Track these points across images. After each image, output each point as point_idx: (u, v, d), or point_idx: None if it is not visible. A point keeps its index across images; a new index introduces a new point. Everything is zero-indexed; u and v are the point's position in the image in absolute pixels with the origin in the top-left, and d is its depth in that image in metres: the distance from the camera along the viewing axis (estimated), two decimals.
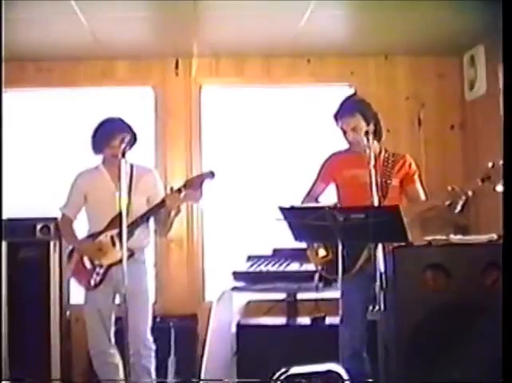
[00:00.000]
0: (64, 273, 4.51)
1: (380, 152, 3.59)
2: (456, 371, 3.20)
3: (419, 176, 3.69)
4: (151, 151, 5.01)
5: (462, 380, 3.15)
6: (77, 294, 4.69)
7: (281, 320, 4.39)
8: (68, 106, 5.08)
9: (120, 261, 3.47)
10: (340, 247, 3.07)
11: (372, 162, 3.15)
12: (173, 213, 3.71)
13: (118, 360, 3.72)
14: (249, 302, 4.63)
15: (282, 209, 3.09)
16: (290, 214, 3.10)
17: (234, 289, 4.21)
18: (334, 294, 3.51)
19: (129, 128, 3.77)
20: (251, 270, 4.30)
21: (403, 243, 3.25)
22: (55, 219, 4.48)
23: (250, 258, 4.47)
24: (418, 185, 3.66)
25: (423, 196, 3.63)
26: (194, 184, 3.69)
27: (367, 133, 3.31)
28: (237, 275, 4.22)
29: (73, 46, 4.61)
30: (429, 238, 3.50)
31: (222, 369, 4.06)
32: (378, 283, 2.98)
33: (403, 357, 3.31)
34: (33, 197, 4.86)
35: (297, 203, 3.61)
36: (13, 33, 4.12)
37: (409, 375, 3.25)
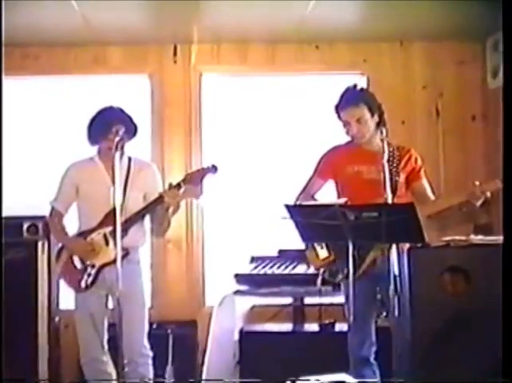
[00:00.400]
0: (53, 275, 4.51)
1: (384, 146, 3.56)
2: (476, 380, 3.18)
3: (425, 172, 3.66)
4: (148, 143, 5.00)
5: None
6: (67, 298, 4.70)
7: (287, 326, 4.39)
8: (56, 96, 5.08)
9: (114, 261, 3.46)
10: (350, 248, 3.06)
11: (386, 156, 3.14)
12: (171, 210, 3.69)
13: (111, 368, 3.70)
14: (252, 307, 4.63)
15: (288, 207, 3.08)
16: (297, 212, 3.09)
17: (237, 293, 4.21)
18: (343, 298, 3.52)
19: (127, 119, 3.74)
20: (255, 272, 4.30)
21: (419, 244, 3.23)
22: (43, 217, 4.47)
23: (253, 259, 4.47)
24: (424, 181, 3.63)
25: (429, 193, 3.61)
26: (194, 179, 3.65)
27: (378, 125, 3.30)
28: (239, 278, 4.21)
29: (63, 31, 4.60)
30: (447, 238, 3.49)
31: (224, 378, 4.05)
32: (392, 287, 2.97)
33: (419, 366, 3.30)
34: (19, 194, 4.86)
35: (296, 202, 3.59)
36: None
37: None
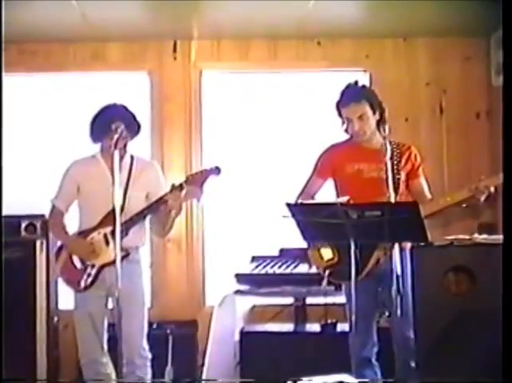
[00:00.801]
0: (51, 275, 4.52)
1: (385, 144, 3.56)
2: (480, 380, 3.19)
3: (423, 169, 3.66)
4: (147, 141, 5.00)
5: None
6: (66, 298, 4.70)
7: (288, 326, 4.40)
8: (54, 93, 5.08)
9: (114, 261, 3.45)
10: (352, 247, 3.06)
11: (389, 154, 3.14)
12: (173, 212, 3.68)
13: (111, 369, 3.70)
14: (253, 307, 4.64)
15: (290, 205, 3.08)
16: (298, 211, 3.10)
17: (238, 292, 4.22)
18: (345, 298, 3.53)
19: (128, 117, 3.72)
20: (256, 271, 4.30)
21: (422, 243, 3.24)
22: (42, 216, 4.48)
23: (254, 258, 4.47)
24: (423, 179, 3.63)
25: (427, 192, 3.60)
26: (197, 181, 3.63)
27: (379, 123, 3.31)
28: (240, 278, 4.22)
29: (61, 26, 4.61)
30: (451, 237, 3.49)
31: (224, 379, 4.06)
32: (394, 287, 2.98)
33: (421, 366, 3.31)
34: (17, 192, 4.86)
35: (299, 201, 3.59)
36: None
37: None
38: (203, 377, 3.98)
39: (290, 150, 5.09)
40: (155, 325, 4.37)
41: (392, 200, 3.12)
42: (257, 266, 4.36)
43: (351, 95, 3.52)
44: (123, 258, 3.56)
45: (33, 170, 5.02)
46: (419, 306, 3.32)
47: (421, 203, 3.45)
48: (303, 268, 4.24)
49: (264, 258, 4.47)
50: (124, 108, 3.76)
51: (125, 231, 3.62)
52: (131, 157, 3.81)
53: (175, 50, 5.05)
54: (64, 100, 5.06)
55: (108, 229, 3.60)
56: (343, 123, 3.55)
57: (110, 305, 3.70)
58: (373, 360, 3.51)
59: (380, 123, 3.50)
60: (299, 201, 3.58)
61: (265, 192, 5.01)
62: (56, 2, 4.17)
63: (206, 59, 5.06)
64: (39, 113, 5.07)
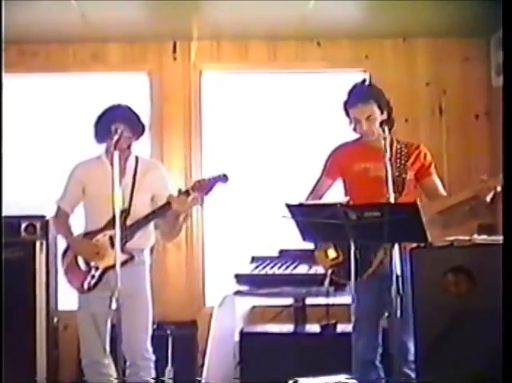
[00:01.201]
0: (51, 276, 4.52)
1: (393, 143, 3.53)
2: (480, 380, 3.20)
3: (435, 167, 3.65)
4: (146, 142, 5.00)
5: None
6: (66, 299, 4.71)
7: (288, 327, 4.40)
8: (54, 93, 5.09)
9: (121, 263, 3.47)
10: (352, 248, 3.07)
11: (388, 154, 3.14)
12: (182, 218, 3.66)
13: (113, 371, 3.68)
14: (253, 308, 4.64)
15: (289, 206, 3.09)
16: (298, 211, 3.10)
17: (237, 293, 4.21)
18: (346, 299, 3.52)
19: (131, 117, 3.71)
20: (255, 272, 4.30)
21: (422, 244, 3.24)
22: (42, 217, 4.49)
23: (254, 259, 4.47)
24: (435, 177, 3.62)
25: (441, 189, 3.60)
26: (204, 188, 3.61)
27: (382, 123, 3.31)
28: (240, 278, 4.22)
29: (61, 27, 4.61)
30: (451, 238, 3.49)
31: (224, 380, 4.07)
32: (394, 287, 2.98)
33: (422, 368, 3.31)
34: (17, 193, 4.87)
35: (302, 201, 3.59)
36: None
37: None
38: (203, 377, 3.99)
39: (290, 150, 5.09)
40: (155, 326, 4.34)
41: (392, 200, 3.12)
42: (256, 267, 4.36)
43: (358, 95, 3.51)
44: (127, 261, 3.57)
45: (33, 171, 5.03)
46: (419, 307, 3.32)
47: (431, 201, 3.49)
48: (303, 269, 4.24)
49: (264, 258, 4.47)
50: (128, 108, 3.75)
51: (130, 235, 3.63)
52: (136, 158, 3.81)
53: (174, 51, 5.05)
54: (64, 101, 5.06)
55: (113, 231, 3.58)
56: (350, 122, 3.54)
57: (114, 306, 3.69)
58: (377, 362, 3.50)
59: (387, 122, 3.49)
60: (308, 201, 3.57)
61: (265, 193, 5.01)
62: (56, 3, 4.17)
63: (205, 60, 5.07)
64: (39, 114, 5.08)
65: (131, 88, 5.05)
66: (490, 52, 4.96)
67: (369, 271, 3.33)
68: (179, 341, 4.50)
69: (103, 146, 3.79)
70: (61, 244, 4.62)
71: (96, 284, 3.67)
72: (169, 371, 4.37)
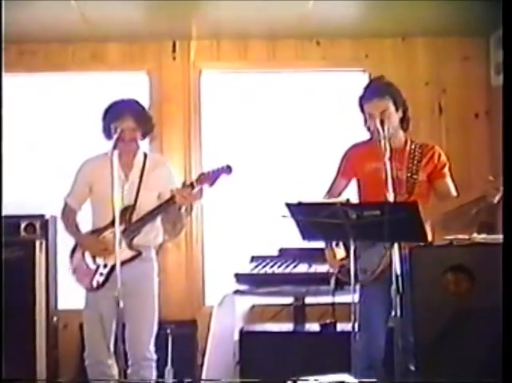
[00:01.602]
0: (50, 275, 4.52)
1: (406, 143, 3.53)
2: (480, 380, 3.19)
3: (450, 169, 3.59)
4: (146, 141, 4.99)
5: None
6: (65, 298, 4.72)
7: (287, 326, 4.40)
8: (53, 93, 5.08)
9: (126, 261, 3.50)
10: (352, 247, 3.06)
11: (388, 154, 3.13)
12: (183, 209, 3.65)
13: (116, 371, 3.64)
14: (253, 307, 4.64)
15: (289, 205, 3.08)
16: (298, 210, 3.09)
17: (237, 292, 4.21)
18: (345, 298, 3.52)
19: (137, 112, 3.71)
20: (255, 271, 4.30)
21: (421, 243, 3.24)
22: (41, 216, 4.49)
23: (253, 258, 4.47)
24: (448, 179, 3.55)
25: (453, 192, 3.54)
26: (208, 179, 3.61)
27: (382, 123, 3.29)
28: (240, 277, 4.22)
29: (60, 26, 4.61)
30: (450, 237, 3.48)
31: (224, 378, 4.07)
32: (394, 287, 2.98)
33: (421, 366, 3.31)
34: (17, 192, 4.87)
35: (307, 198, 3.57)
36: None
37: None
38: (203, 376, 3.98)
39: (289, 149, 5.09)
40: None
41: (391, 200, 3.11)
42: (256, 266, 4.36)
43: (374, 90, 3.48)
44: (134, 257, 3.57)
45: (32, 170, 5.02)
46: (418, 306, 3.31)
47: (439, 202, 3.47)
48: (302, 268, 4.24)
49: (263, 257, 4.46)
50: (134, 102, 3.76)
51: (137, 231, 3.63)
52: (145, 154, 3.80)
53: (174, 50, 5.05)
54: (63, 101, 5.06)
55: (120, 228, 3.59)
56: (365, 121, 3.50)
57: (121, 304, 3.68)
58: (379, 362, 3.47)
59: (403, 121, 3.48)
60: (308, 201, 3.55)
61: (265, 192, 5.01)
62: (55, 3, 4.17)
63: (205, 59, 5.07)
64: (38, 113, 5.07)
65: (130, 88, 5.04)
66: (490, 51, 4.95)
67: (377, 272, 3.32)
68: (179, 340, 4.50)
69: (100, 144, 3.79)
70: (61, 244, 4.65)
71: (104, 282, 3.65)
72: (169, 370, 4.37)
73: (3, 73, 4.66)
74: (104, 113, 3.76)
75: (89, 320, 3.72)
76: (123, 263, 3.53)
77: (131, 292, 3.61)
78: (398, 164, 3.39)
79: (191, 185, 3.60)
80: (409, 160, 3.49)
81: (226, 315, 4.22)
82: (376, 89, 3.49)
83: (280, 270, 4.29)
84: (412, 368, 3.33)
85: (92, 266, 3.70)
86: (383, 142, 3.19)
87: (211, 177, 3.62)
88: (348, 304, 3.29)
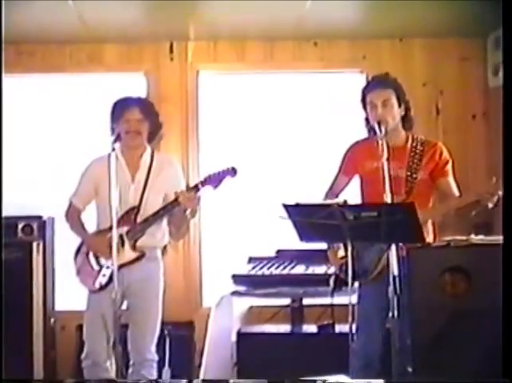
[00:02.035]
0: (48, 276, 4.52)
1: (407, 141, 3.51)
2: (477, 381, 3.19)
3: (453, 167, 3.54)
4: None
5: None
6: (63, 299, 4.72)
7: (285, 327, 4.39)
8: (50, 94, 5.08)
9: (129, 262, 3.53)
10: (349, 248, 3.06)
11: (385, 155, 3.13)
12: (188, 213, 3.65)
13: (113, 374, 3.66)
14: (250, 308, 4.64)
15: (287, 206, 3.08)
16: (295, 211, 3.09)
17: (234, 293, 4.22)
18: (343, 299, 3.51)
19: (143, 110, 3.70)
20: (253, 272, 4.30)
21: (419, 244, 3.24)
22: (39, 217, 4.49)
23: (251, 259, 4.47)
24: (450, 178, 3.51)
25: (455, 191, 3.50)
26: (213, 181, 3.61)
27: (379, 124, 3.29)
28: (237, 279, 4.22)
29: (58, 27, 4.60)
30: (448, 238, 3.48)
31: (221, 380, 4.07)
32: (391, 288, 2.98)
33: (418, 367, 3.31)
34: (14, 193, 4.86)
35: (305, 199, 3.57)
36: None
37: None
38: (201, 377, 3.98)
39: (287, 150, 5.09)
40: None
41: (389, 200, 3.10)
42: (254, 267, 4.35)
43: (378, 81, 3.50)
44: (138, 259, 3.57)
45: (29, 171, 5.02)
46: (416, 307, 3.31)
47: (430, 207, 3.46)
48: (300, 269, 4.24)
49: (261, 259, 4.47)
50: (142, 97, 3.76)
51: (141, 232, 3.62)
52: (152, 154, 3.79)
53: (171, 51, 5.05)
54: (60, 102, 5.06)
55: (124, 229, 3.59)
56: (366, 121, 3.49)
57: (124, 306, 3.69)
58: (378, 365, 3.46)
59: (405, 119, 3.48)
60: (328, 199, 3.54)
61: (263, 193, 5.01)
62: (53, 3, 4.17)
63: (202, 60, 5.06)
64: (36, 114, 5.07)
65: (128, 89, 5.03)
66: (487, 52, 4.95)
67: (375, 272, 3.32)
68: (177, 341, 4.50)
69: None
70: (58, 245, 4.65)
71: (107, 284, 3.64)
72: (166, 371, 4.37)
73: (3, 74, 4.65)
74: (112, 110, 3.76)
75: (91, 321, 3.71)
76: (126, 265, 3.54)
77: (136, 293, 3.63)
78: (398, 163, 3.38)
79: (196, 187, 3.59)
80: (410, 159, 3.47)
81: (224, 316, 4.22)
82: (380, 81, 3.51)
83: (277, 272, 4.29)
84: (410, 369, 3.33)
85: (96, 267, 3.70)
86: (380, 142, 3.19)
87: (216, 179, 3.62)
88: (346, 305, 3.29)
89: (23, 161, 5.03)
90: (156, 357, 3.77)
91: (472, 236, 3.52)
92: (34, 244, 4.47)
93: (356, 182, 3.64)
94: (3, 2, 3.89)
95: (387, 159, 3.13)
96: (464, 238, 3.48)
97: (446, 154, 3.54)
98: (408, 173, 3.44)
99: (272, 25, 4.72)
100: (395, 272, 2.98)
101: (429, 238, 3.37)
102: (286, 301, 4.45)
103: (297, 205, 3.11)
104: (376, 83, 3.50)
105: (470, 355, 3.26)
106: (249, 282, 4.24)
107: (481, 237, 3.56)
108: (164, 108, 5.01)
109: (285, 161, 5.06)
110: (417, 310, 3.32)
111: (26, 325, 4.40)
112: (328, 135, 4.98)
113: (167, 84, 5.04)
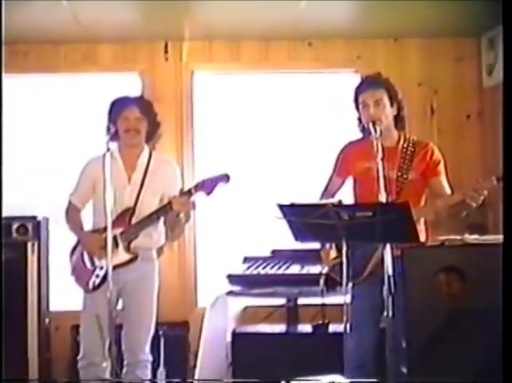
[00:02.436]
0: (42, 276, 4.51)
1: (399, 141, 3.51)
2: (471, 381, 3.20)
3: (445, 167, 3.54)
4: None
5: None
6: (57, 300, 4.71)
7: (280, 327, 4.39)
8: (45, 94, 5.07)
9: (122, 264, 3.52)
10: (344, 248, 3.06)
11: (380, 155, 3.13)
12: (182, 217, 3.65)
13: (109, 374, 3.68)
14: (245, 308, 4.64)
15: (282, 206, 3.08)
16: (290, 211, 3.09)
17: (230, 293, 4.21)
18: (338, 299, 3.51)
19: (141, 110, 3.70)
20: (248, 272, 4.30)
21: (413, 244, 3.24)
22: (33, 217, 4.48)
23: (246, 259, 4.46)
24: (442, 178, 3.51)
25: (447, 191, 3.49)
26: (206, 187, 3.59)
27: (374, 124, 3.29)
28: (232, 279, 4.22)
29: (52, 27, 4.60)
30: (442, 238, 3.49)
31: (217, 380, 4.07)
32: (386, 287, 2.98)
33: (413, 368, 3.31)
34: (8, 194, 4.84)
35: (300, 199, 3.56)
36: None
37: None
38: (196, 377, 3.98)
39: (282, 150, 5.09)
40: None
41: (383, 201, 3.11)
42: (249, 267, 4.35)
43: (370, 81, 3.51)
44: (131, 260, 3.57)
45: (23, 171, 5.00)
46: (410, 307, 3.32)
47: (419, 206, 3.47)
48: (295, 269, 4.24)
49: (256, 258, 4.46)
50: (140, 96, 3.76)
51: (135, 234, 3.61)
52: (149, 154, 3.79)
53: (166, 51, 5.04)
54: (55, 102, 5.05)
55: (118, 231, 3.58)
56: (359, 121, 3.50)
57: (120, 306, 3.69)
58: (371, 365, 3.45)
59: (397, 119, 3.48)
60: (323, 200, 3.53)
61: (257, 193, 5.01)
62: (47, 3, 4.16)
63: (197, 60, 5.06)
64: (30, 115, 5.06)
65: (123, 89, 5.02)
66: (481, 52, 4.96)
67: (366, 272, 3.32)
68: (171, 341, 4.50)
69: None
70: (53, 245, 4.64)
71: (100, 284, 3.63)
72: (161, 372, 4.37)
73: (3, 74, 4.63)
74: (110, 109, 3.76)
75: (86, 321, 3.70)
76: (119, 266, 3.53)
77: (131, 293, 3.62)
78: (390, 163, 3.38)
79: (189, 192, 3.59)
80: (400, 159, 3.48)
81: (219, 316, 4.22)
82: (372, 81, 3.51)
83: (272, 271, 4.28)
84: (404, 369, 3.33)
85: (90, 267, 3.69)
86: (375, 143, 3.19)
87: (209, 185, 3.60)
88: (341, 305, 3.29)
89: (17, 162, 5.01)
90: (151, 358, 3.76)
91: (466, 236, 3.52)
92: (29, 244, 4.47)
93: (350, 182, 3.64)
94: (3, 2, 3.88)
95: (382, 159, 3.14)
96: (458, 237, 3.48)
97: (437, 154, 3.54)
98: (399, 174, 3.44)
99: (267, 26, 4.72)
100: (390, 272, 2.99)
101: (422, 238, 3.36)
102: (281, 301, 4.45)
103: (292, 205, 3.11)
104: (368, 83, 3.50)
105: (464, 355, 3.26)
106: (244, 282, 4.24)
107: (475, 237, 3.56)
108: (159, 107, 4.97)
109: (281, 161, 5.07)
110: (411, 310, 3.32)
111: (21, 326, 4.40)
112: (323, 135, 4.98)
113: (162, 84, 5.04)
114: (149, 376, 3.76)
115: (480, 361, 3.21)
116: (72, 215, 3.83)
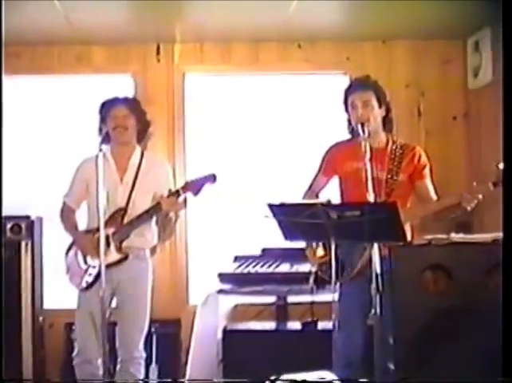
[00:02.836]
0: (36, 275, 4.51)
1: (388, 144, 3.54)
2: (458, 379, 3.22)
3: (431, 171, 3.58)
4: None
5: None
6: (51, 298, 4.70)
7: (270, 325, 4.41)
8: (38, 95, 5.06)
9: (114, 263, 3.54)
10: (333, 247, 3.08)
11: (368, 155, 3.15)
12: (172, 217, 3.68)
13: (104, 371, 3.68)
14: (236, 306, 4.64)
15: (271, 206, 3.09)
16: (280, 211, 3.10)
17: (220, 292, 4.22)
18: (327, 297, 3.52)
19: (131, 110, 3.73)
20: (238, 271, 4.31)
21: (400, 243, 3.26)
22: (27, 217, 4.48)
23: (237, 258, 4.48)
24: (427, 181, 3.55)
25: (432, 194, 3.54)
26: (193, 188, 3.62)
27: (362, 125, 3.31)
28: (223, 277, 4.23)
29: (45, 29, 4.58)
30: (429, 236, 3.50)
31: (208, 377, 4.07)
32: (374, 285, 3.00)
33: (401, 365, 3.33)
34: (2, 193, 4.83)
35: (290, 199, 3.58)
36: None
37: None
38: (187, 375, 3.99)
39: (273, 151, 5.11)
40: None
41: (372, 200, 3.13)
42: (239, 266, 4.36)
43: (359, 83, 3.55)
44: (122, 260, 3.57)
45: (17, 171, 4.99)
46: (397, 305, 3.33)
47: (415, 206, 3.49)
48: (285, 267, 4.26)
49: (246, 257, 4.47)
50: (125, 98, 3.77)
51: (126, 234, 3.62)
52: (142, 154, 3.80)
53: (158, 53, 5.04)
54: (48, 103, 5.04)
55: (110, 230, 3.59)
56: (348, 122, 3.53)
57: (114, 304, 3.69)
58: (359, 363, 3.47)
59: (386, 120, 3.51)
60: (307, 198, 3.58)
61: (248, 193, 5.02)
62: (40, 5, 4.15)
63: (189, 62, 5.06)
64: (23, 116, 5.04)
65: (115, 90, 5.02)
66: (467, 54, 4.98)
67: (355, 270, 3.34)
68: (163, 339, 4.50)
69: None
70: (47, 244, 4.63)
71: (93, 283, 3.65)
72: (153, 369, 4.37)
73: (3, 74, 4.62)
74: (100, 110, 3.79)
75: (81, 319, 3.72)
76: (111, 265, 3.53)
77: (125, 291, 3.64)
78: (379, 165, 3.41)
79: (177, 193, 3.60)
80: (390, 161, 3.50)
81: (210, 314, 4.23)
82: (361, 83, 3.55)
83: (263, 270, 4.30)
84: (391, 366, 3.35)
85: (83, 266, 3.70)
86: (363, 143, 3.20)
87: (196, 186, 3.63)
88: (330, 303, 3.31)
89: (12, 162, 5.00)
90: (144, 355, 3.78)
91: (453, 235, 3.54)
92: (23, 243, 4.46)
93: (335, 182, 3.66)
94: (3, 2, 3.87)
95: (370, 160, 3.16)
96: (445, 236, 3.50)
97: (424, 157, 3.57)
98: (389, 175, 3.47)
99: (257, 27, 4.73)
100: (378, 270, 3.00)
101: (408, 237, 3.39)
102: (271, 299, 4.46)
103: (282, 205, 3.12)
104: (357, 85, 3.54)
105: (451, 352, 3.28)
106: (234, 281, 4.25)
107: (461, 235, 3.58)
108: (151, 108, 4.99)
109: (271, 161, 5.08)
110: (399, 308, 3.34)
111: (15, 324, 4.39)
112: (313, 135, 5.00)
113: (154, 85, 5.04)
114: (143, 372, 3.77)
115: (467, 358, 3.23)
116: (66, 215, 3.85)
